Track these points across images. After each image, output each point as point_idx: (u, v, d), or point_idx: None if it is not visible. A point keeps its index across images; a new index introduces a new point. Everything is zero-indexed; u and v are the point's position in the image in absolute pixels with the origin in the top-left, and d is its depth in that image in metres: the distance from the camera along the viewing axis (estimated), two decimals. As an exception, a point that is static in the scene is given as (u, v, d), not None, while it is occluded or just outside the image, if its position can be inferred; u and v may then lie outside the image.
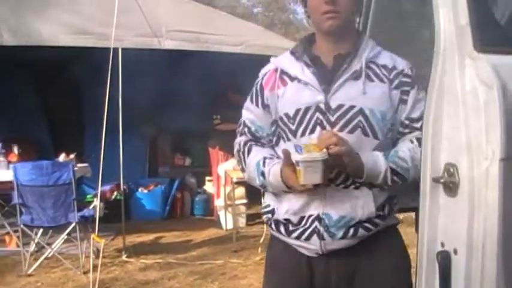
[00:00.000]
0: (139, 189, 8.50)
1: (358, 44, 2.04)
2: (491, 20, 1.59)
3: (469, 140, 1.49)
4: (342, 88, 1.97)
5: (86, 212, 5.87)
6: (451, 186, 1.55)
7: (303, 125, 1.99)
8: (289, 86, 2.06)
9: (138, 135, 8.90)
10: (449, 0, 1.54)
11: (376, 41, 2.09)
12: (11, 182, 5.79)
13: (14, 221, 5.95)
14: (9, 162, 6.44)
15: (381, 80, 1.99)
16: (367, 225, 1.96)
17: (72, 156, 6.77)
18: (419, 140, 1.91)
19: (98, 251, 5.57)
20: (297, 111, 2.00)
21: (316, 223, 1.97)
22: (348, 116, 1.94)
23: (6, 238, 6.51)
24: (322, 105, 1.97)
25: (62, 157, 6.71)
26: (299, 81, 2.03)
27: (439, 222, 1.60)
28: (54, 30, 6.38)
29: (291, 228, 2.03)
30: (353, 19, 2.11)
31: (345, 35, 2.04)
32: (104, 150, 5.61)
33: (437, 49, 1.56)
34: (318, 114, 1.97)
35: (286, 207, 2.03)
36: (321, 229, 1.96)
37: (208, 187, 8.69)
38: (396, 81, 1.99)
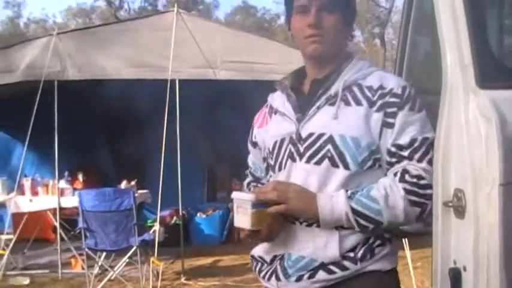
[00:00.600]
0: (198, 214, 8.71)
1: (343, 67, 1.87)
2: (492, 58, 1.73)
3: (473, 166, 1.63)
4: (315, 115, 1.82)
5: (146, 236, 6.11)
6: (459, 210, 1.68)
7: (279, 159, 1.88)
8: (272, 120, 1.97)
9: (197, 162, 9.09)
10: (454, 43, 1.70)
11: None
12: (76, 208, 6.14)
13: (79, 245, 6.26)
14: (74, 189, 6.80)
15: (358, 103, 1.79)
16: (331, 267, 1.76)
17: (133, 183, 7.08)
18: (405, 171, 1.75)
19: (158, 273, 5.80)
20: (275, 144, 1.90)
21: (277, 263, 1.85)
22: (316, 146, 1.78)
23: (72, 261, 6.84)
24: (294, 136, 1.84)
25: (123, 184, 7.03)
26: (279, 113, 1.93)
27: (451, 242, 1.74)
28: (116, 64, 6.76)
29: (263, 267, 1.93)
30: (341, 42, 1.91)
31: (331, 59, 1.88)
32: (164, 176, 5.84)
33: (444, 85, 1.72)
34: (290, 145, 1.84)
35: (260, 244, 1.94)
36: (279, 269, 1.83)
37: (265, 212, 8.78)
38: (380, 102, 1.77)
